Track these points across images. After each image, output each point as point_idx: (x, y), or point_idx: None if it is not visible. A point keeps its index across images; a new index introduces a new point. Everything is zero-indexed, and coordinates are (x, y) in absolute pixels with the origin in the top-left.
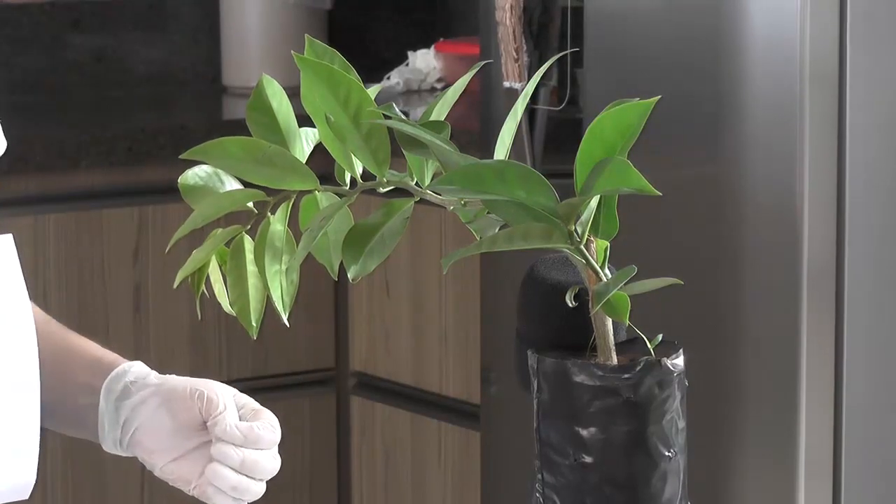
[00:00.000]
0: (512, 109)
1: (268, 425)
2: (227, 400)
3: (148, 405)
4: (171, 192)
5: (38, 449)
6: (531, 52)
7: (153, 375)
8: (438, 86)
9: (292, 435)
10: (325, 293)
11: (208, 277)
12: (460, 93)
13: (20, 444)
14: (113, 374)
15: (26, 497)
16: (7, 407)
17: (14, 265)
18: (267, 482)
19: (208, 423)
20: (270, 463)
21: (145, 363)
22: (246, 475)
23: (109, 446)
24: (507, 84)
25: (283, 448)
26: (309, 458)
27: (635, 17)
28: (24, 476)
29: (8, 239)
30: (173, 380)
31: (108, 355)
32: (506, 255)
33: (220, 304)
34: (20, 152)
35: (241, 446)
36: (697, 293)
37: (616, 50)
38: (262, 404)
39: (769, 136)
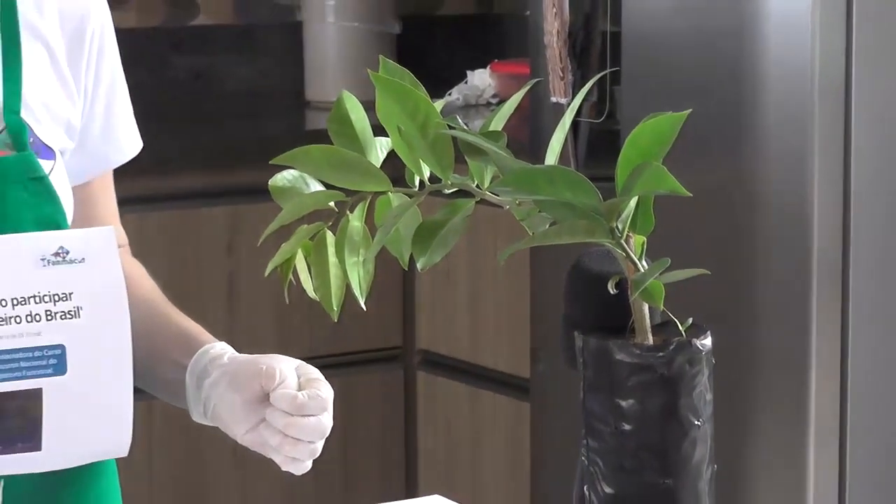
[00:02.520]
0: (560, 121)
1: (315, 393)
2: (286, 372)
3: (220, 384)
4: (260, 193)
5: (131, 411)
6: (575, 71)
7: (227, 356)
8: (493, 101)
9: (365, 405)
10: (394, 281)
11: (295, 267)
12: (515, 106)
13: (116, 407)
14: (197, 354)
15: (125, 454)
16: (103, 375)
17: (113, 252)
18: (342, 447)
19: (270, 395)
20: (318, 426)
21: (237, 343)
22: (293, 437)
23: (197, 418)
24: (553, 99)
25: (357, 417)
26: (380, 427)
27: (666, 41)
28: (121, 435)
29: (110, 230)
30: (241, 358)
31: (200, 335)
32: (552, 248)
33: (304, 290)
34: None
35: (289, 412)
36: (721, 281)
37: (649, 70)
38: (338, 379)
39: (782, 144)
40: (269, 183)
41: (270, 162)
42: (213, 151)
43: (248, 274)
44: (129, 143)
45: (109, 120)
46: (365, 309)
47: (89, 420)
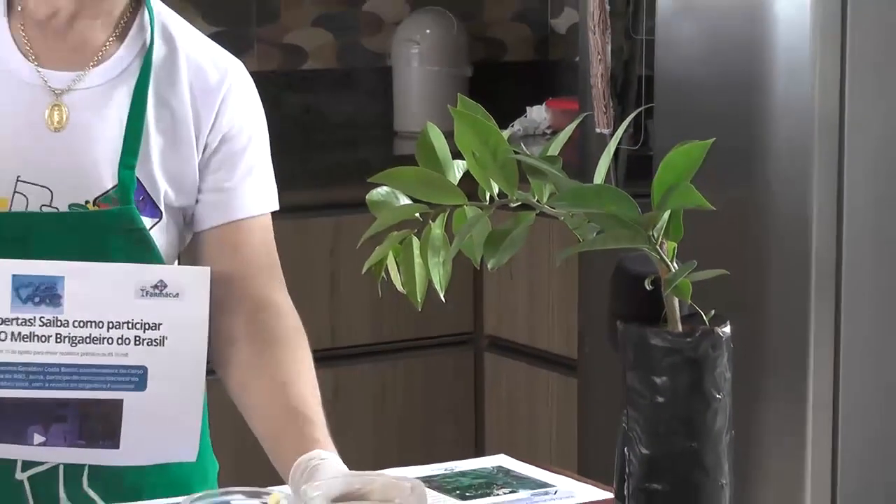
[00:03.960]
0: (606, 149)
1: None
2: None
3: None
4: (357, 206)
5: (199, 427)
6: (616, 107)
7: (322, 470)
8: (548, 132)
9: (441, 381)
10: (466, 278)
11: (386, 266)
12: (569, 135)
13: (186, 423)
14: (299, 460)
15: (193, 460)
16: (177, 396)
17: (205, 290)
18: (422, 416)
19: None
20: None
21: (338, 329)
22: None
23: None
24: (598, 130)
25: (435, 391)
26: (454, 399)
27: (692, 83)
28: (190, 446)
29: (206, 270)
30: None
31: (314, 433)
32: (598, 252)
33: (394, 285)
34: None
35: None
36: (737, 280)
37: (677, 106)
38: (419, 359)
39: (787, 167)
40: (367, 197)
41: (368, 180)
42: (319, 172)
43: (347, 273)
44: (259, 199)
45: (242, 175)
46: (444, 300)
47: (162, 430)
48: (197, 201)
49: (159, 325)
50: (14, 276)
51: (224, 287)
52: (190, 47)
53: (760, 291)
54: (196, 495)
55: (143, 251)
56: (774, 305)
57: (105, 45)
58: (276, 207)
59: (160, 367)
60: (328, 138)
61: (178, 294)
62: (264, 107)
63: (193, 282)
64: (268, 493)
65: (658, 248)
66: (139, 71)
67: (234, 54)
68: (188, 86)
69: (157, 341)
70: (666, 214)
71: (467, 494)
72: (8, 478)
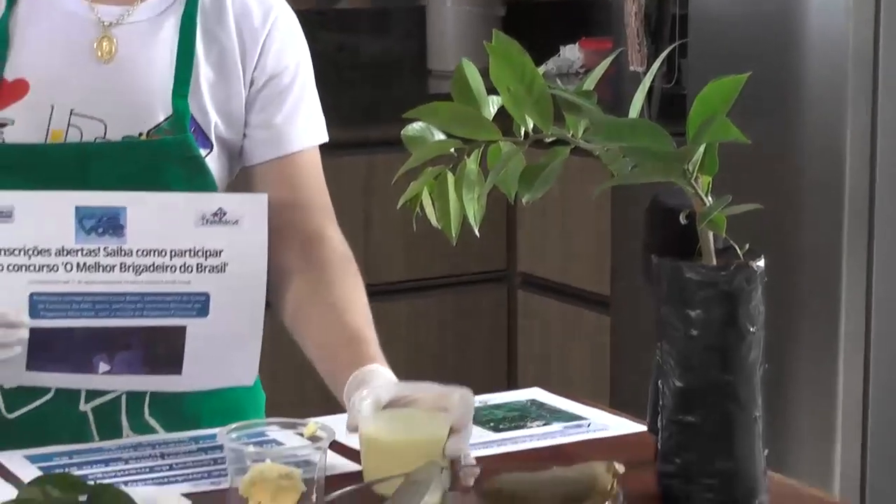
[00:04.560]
0: (640, 85)
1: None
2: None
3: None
4: (390, 145)
5: (259, 351)
6: (649, 45)
7: (373, 381)
8: (581, 71)
9: (475, 318)
10: (500, 215)
11: (421, 202)
12: (603, 71)
13: (246, 347)
14: (353, 374)
15: (251, 384)
16: (238, 321)
17: (263, 217)
18: (457, 352)
19: None
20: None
21: (372, 266)
22: None
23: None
24: (632, 68)
25: (469, 327)
26: (488, 335)
27: (725, 21)
28: (249, 370)
29: (264, 197)
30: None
31: (368, 351)
32: (629, 187)
33: (429, 220)
34: None
35: None
36: (771, 215)
37: (711, 44)
38: (454, 296)
39: (822, 102)
40: (402, 132)
41: (403, 115)
42: (352, 111)
43: (381, 211)
44: (308, 133)
45: (290, 111)
46: (479, 235)
47: (222, 355)
48: (245, 136)
49: (220, 251)
50: (77, 207)
51: (276, 220)
52: None
53: (794, 226)
54: (232, 426)
55: (199, 179)
56: (808, 240)
57: None
58: (326, 139)
59: (222, 293)
60: (361, 77)
61: (237, 221)
62: None
63: (251, 209)
64: (304, 424)
65: (693, 182)
66: (185, 5)
67: None
68: (234, 22)
69: (219, 268)
70: (701, 148)
71: (501, 427)
72: (73, 409)
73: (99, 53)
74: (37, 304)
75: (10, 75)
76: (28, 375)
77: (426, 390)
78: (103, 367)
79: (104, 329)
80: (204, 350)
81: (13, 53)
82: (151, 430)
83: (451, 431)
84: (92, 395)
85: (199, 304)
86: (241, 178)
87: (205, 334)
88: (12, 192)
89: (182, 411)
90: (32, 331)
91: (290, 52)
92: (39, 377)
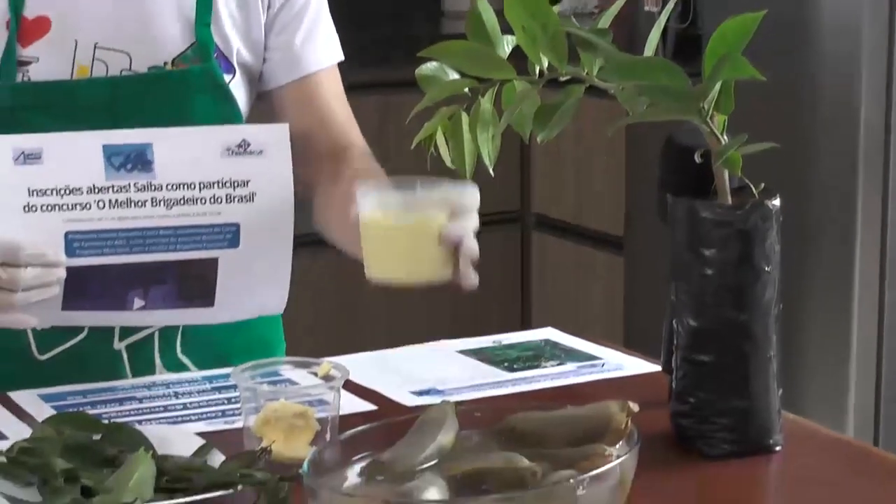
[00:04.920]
0: (656, 23)
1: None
2: None
3: None
4: (404, 86)
5: (289, 278)
6: None
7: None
8: (595, 11)
9: (489, 259)
10: (514, 156)
11: (435, 142)
12: (618, 9)
13: (277, 275)
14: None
15: (281, 311)
16: (268, 249)
17: (286, 146)
18: (467, 297)
19: None
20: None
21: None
22: None
23: None
24: (646, 8)
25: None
26: (502, 276)
27: None
28: (280, 297)
29: (285, 127)
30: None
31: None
32: (643, 127)
33: (443, 161)
34: None
35: None
36: (787, 153)
37: None
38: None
39: (837, 39)
40: (416, 72)
41: (418, 54)
42: (367, 52)
43: (395, 152)
44: (325, 52)
45: (306, 32)
46: (493, 175)
47: (254, 284)
48: (265, 60)
49: (247, 182)
50: (105, 146)
51: (301, 140)
52: None
53: (809, 164)
54: (246, 365)
55: (226, 107)
56: (823, 178)
57: None
58: (342, 58)
59: (252, 223)
60: (376, 18)
61: (261, 151)
62: None
63: (274, 139)
64: (318, 363)
65: (709, 120)
66: None
67: None
68: None
69: (247, 198)
70: (717, 86)
71: (515, 366)
72: (107, 348)
73: None
74: (72, 243)
75: (30, 13)
76: (64, 315)
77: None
78: (138, 302)
79: (138, 264)
80: (236, 281)
81: None
82: (184, 368)
83: (452, 217)
84: (126, 333)
85: (230, 235)
86: (265, 104)
87: (236, 265)
88: (39, 135)
89: (213, 348)
90: (68, 270)
91: None
92: (75, 316)
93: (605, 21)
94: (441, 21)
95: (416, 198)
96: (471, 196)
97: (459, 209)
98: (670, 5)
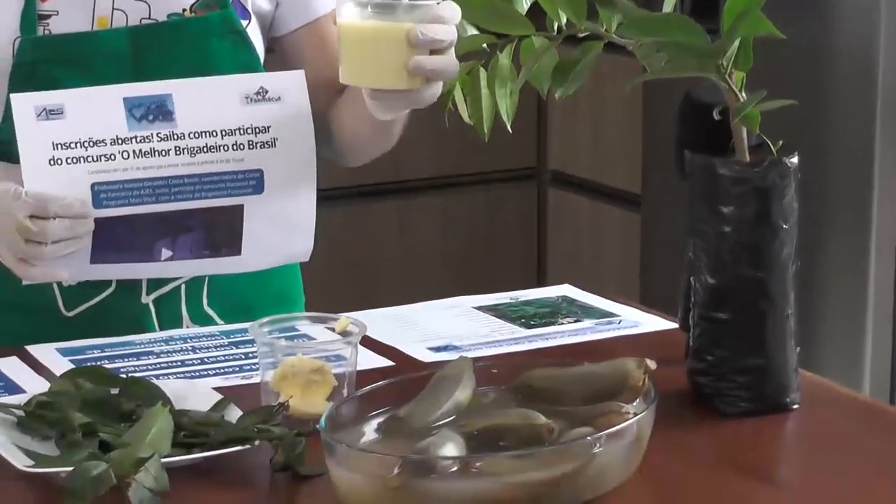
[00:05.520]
0: None
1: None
2: None
3: None
4: None
5: (314, 224)
6: None
7: None
8: None
9: (506, 215)
10: (530, 112)
11: (453, 97)
12: None
13: (302, 220)
14: None
15: (307, 259)
16: (293, 194)
17: (303, 91)
18: (486, 248)
19: None
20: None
21: (402, 162)
22: None
23: None
24: None
25: (499, 224)
26: (518, 232)
27: None
28: (305, 244)
29: (301, 73)
30: None
31: None
32: (660, 84)
33: (461, 116)
34: None
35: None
36: (805, 112)
37: None
38: (484, 193)
39: (855, 1)
40: None
41: None
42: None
43: None
44: None
45: None
46: (511, 132)
47: (280, 231)
48: (277, 5)
49: (268, 127)
50: (125, 98)
51: (316, 80)
52: None
53: (827, 122)
54: (263, 320)
55: (244, 52)
56: (841, 136)
57: None
58: None
59: (275, 168)
60: None
61: (279, 98)
62: None
63: (291, 85)
64: (335, 319)
65: (727, 77)
66: None
67: None
68: None
69: (269, 143)
70: (735, 43)
71: (532, 323)
72: (135, 302)
73: None
74: (99, 194)
75: None
76: (93, 268)
77: None
78: (165, 252)
79: (165, 214)
80: (262, 228)
81: None
82: (210, 320)
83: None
84: (153, 286)
85: (254, 181)
86: (279, 52)
87: (261, 211)
88: (60, 91)
89: (237, 299)
90: (96, 222)
91: None
92: (104, 269)
93: None
94: None
95: (393, 7)
96: (448, 8)
97: (435, 20)
98: None
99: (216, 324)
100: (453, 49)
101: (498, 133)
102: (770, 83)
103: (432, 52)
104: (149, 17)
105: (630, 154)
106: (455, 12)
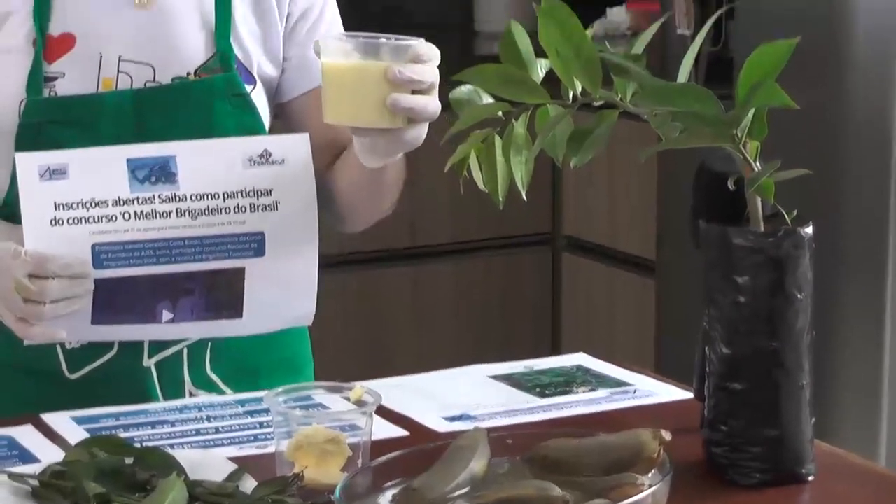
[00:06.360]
0: (690, 48)
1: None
2: None
3: None
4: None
5: (316, 287)
6: (697, 8)
7: None
8: (627, 33)
9: (520, 280)
10: (545, 178)
11: (468, 164)
12: (652, 35)
13: (304, 283)
14: None
15: (310, 323)
16: (294, 257)
17: (307, 154)
18: (500, 314)
19: None
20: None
21: (418, 228)
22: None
23: None
24: (679, 31)
25: (514, 289)
26: (532, 298)
27: None
28: (308, 307)
29: (306, 136)
30: None
31: None
32: (676, 151)
33: (476, 183)
34: None
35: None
36: (819, 180)
37: (759, 6)
38: (498, 258)
39: (870, 70)
40: (450, 95)
41: (451, 78)
42: None
43: (427, 172)
44: None
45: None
46: (526, 199)
47: (282, 294)
48: (283, 71)
49: (270, 190)
50: (128, 159)
51: (324, 150)
52: None
53: (842, 192)
54: (279, 389)
55: (248, 116)
56: (856, 206)
57: None
58: None
59: (276, 231)
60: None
61: (283, 161)
62: (343, 4)
63: (295, 148)
64: (350, 388)
65: (742, 147)
66: None
67: None
68: None
69: (271, 206)
70: (750, 113)
71: (547, 392)
72: (136, 366)
73: (137, 0)
74: (99, 255)
75: (55, 31)
76: (94, 329)
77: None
78: (166, 315)
79: (166, 275)
80: (263, 291)
81: (56, 9)
82: (213, 384)
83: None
84: (155, 349)
85: (255, 244)
86: (284, 117)
87: (263, 274)
88: (64, 151)
89: (242, 364)
90: (97, 283)
91: None
92: (105, 330)
93: (639, 46)
94: (474, 41)
95: (375, 46)
96: (427, 47)
97: (415, 59)
98: (704, 31)
99: (220, 389)
100: (436, 90)
101: (513, 199)
102: (785, 151)
103: (414, 93)
104: (153, 80)
105: (645, 220)
106: (435, 52)
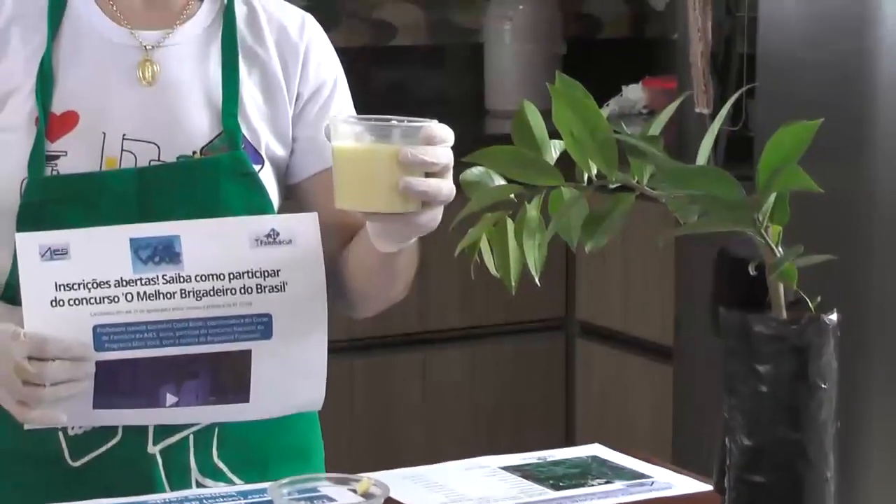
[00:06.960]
0: (710, 128)
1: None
2: None
3: None
4: None
5: (325, 371)
6: (716, 86)
7: None
8: (644, 112)
9: (532, 367)
10: (558, 262)
11: (479, 249)
12: (670, 115)
13: (313, 367)
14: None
15: (319, 408)
16: (302, 340)
17: (316, 234)
18: (512, 401)
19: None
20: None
21: (427, 316)
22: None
23: None
24: (697, 110)
25: (525, 376)
26: (544, 385)
27: (795, 63)
28: (317, 391)
29: (314, 216)
30: None
31: None
32: (692, 235)
33: (487, 268)
34: None
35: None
36: (844, 267)
37: (780, 86)
38: (510, 344)
39: (893, 152)
40: (461, 177)
41: (462, 159)
42: None
43: (437, 255)
44: None
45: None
46: (539, 285)
47: (290, 377)
48: (292, 152)
49: (277, 271)
50: (132, 239)
51: (335, 233)
52: (266, 4)
53: (866, 279)
54: (283, 481)
55: (256, 196)
56: (880, 294)
57: (188, 5)
58: None
59: (284, 313)
60: (417, 117)
61: (290, 241)
62: (351, 82)
63: (303, 227)
64: (357, 480)
65: (763, 231)
66: (223, 26)
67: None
68: (273, 41)
69: (278, 287)
70: (772, 197)
71: (561, 484)
72: (141, 452)
73: (142, 78)
74: (101, 337)
75: (58, 109)
76: (96, 414)
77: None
78: (171, 398)
79: (170, 358)
80: (270, 374)
81: (59, 87)
82: (220, 473)
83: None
84: (160, 435)
85: (262, 326)
86: (293, 197)
87: (270, 357)
88: (66, 231)
89: (250, 453)
90: (98, 365)
91: (327, 64)
92: (107, 415)
93: (656, 127)
94: (485, 120)
95: (386, 129)
96: (440, 128)
97: (427, 141)
98: (724, 110)
99: (227, 477)
100: (450, 172)
101: (525, 282)
102: (808, 236)
103: (428, 175)
104: (158, 159)
105: (661, 304)
106: (448, 133)
